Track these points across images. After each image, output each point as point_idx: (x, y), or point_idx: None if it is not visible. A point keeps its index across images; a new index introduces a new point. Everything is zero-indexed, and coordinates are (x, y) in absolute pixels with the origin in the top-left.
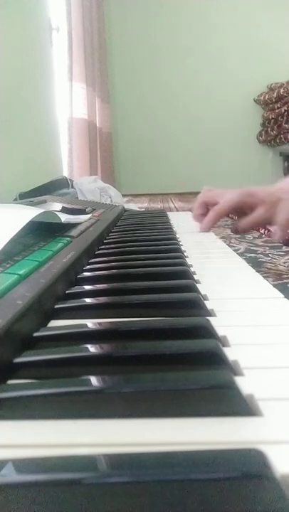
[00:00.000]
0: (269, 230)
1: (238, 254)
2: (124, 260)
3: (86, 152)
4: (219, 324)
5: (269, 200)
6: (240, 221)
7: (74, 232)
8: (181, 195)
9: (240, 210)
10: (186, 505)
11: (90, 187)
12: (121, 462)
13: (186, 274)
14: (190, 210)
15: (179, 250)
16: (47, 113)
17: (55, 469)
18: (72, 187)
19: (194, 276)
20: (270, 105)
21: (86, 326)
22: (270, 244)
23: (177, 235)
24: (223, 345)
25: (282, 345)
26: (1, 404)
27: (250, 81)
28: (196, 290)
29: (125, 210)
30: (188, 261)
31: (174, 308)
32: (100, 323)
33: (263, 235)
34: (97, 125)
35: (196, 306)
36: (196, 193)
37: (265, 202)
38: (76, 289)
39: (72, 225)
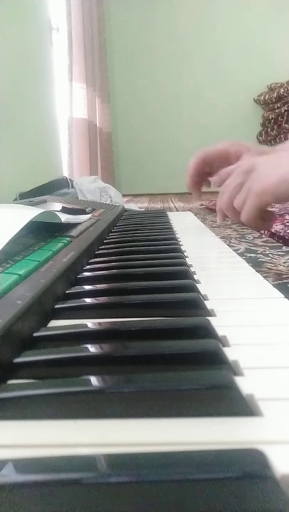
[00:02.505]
0: (269, 231)
1: (238, 254)
2: (124, 260)
3: (86, 152)
4: (219, 324)
5: (255, 151)
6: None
7: (74, 232)
8: (181, 195)
9: (227, 161)
10: (186, 505)
11: (90, 187)
12: (121, 462)
13: (186, 274)
14: (190, 210)
15: (179, 250)
16: (47, 113)
17: (55, 469)
18: (72, 187)
19: (194, 276)
20: (270, 105)
21: (86, 326)
22: (270, 244)
23: (177, 235)
24: (223, 345)
25: (282, 345)
26: (1, 404)
27: (250, 81)
28: (196, 290)
29: (125, 210)
30: (188, 261)
31: (174, 308)
32: (100, 323)
33: (263, 235)
34: (97, 125)
35: (196, 306)
36: None
37: (250, 151)
38: (76, 289)
39: (72, 225)
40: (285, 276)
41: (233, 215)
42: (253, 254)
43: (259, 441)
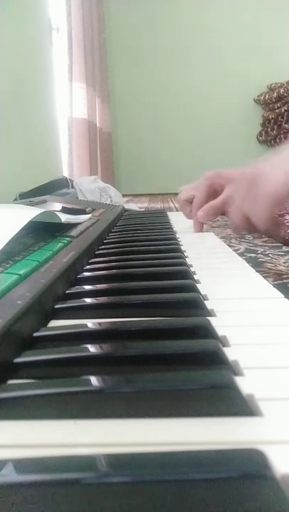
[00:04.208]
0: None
1: (238, 254)
2: (124, 260)
3: (86, 152)
4: (219, 324)
5: (238, 179)
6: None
7: (74, 232)
8: None
9: (216, 194)
10: (186, 505)
11: (90, 187)
12: (121, 462)
13: (186, 274)
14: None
15: (179, 250)
16: (47, 113)
17: (55, 469)
18: (72, 187)
19: (194, 276)
20: (270, 105)
21: (86, 326)
22: (270, 244)
23: (177, 235)
24: (223, 345)
25: (282, 345)
26: (1, 404)
27: (250, 81)
28: (196, 290)
29: (125, 210)
30: (188, 261)
31: (174, 308)
32: (100, 323)
33: (263, 235)
34: (97, 125)
35: (196, 306)
36: None
37: (232, 180)
38: (76, 289)
39: (72, 225)
40: (285, 276)
41: (249, 226)
42: (253, 254)
43: (259, 441)
